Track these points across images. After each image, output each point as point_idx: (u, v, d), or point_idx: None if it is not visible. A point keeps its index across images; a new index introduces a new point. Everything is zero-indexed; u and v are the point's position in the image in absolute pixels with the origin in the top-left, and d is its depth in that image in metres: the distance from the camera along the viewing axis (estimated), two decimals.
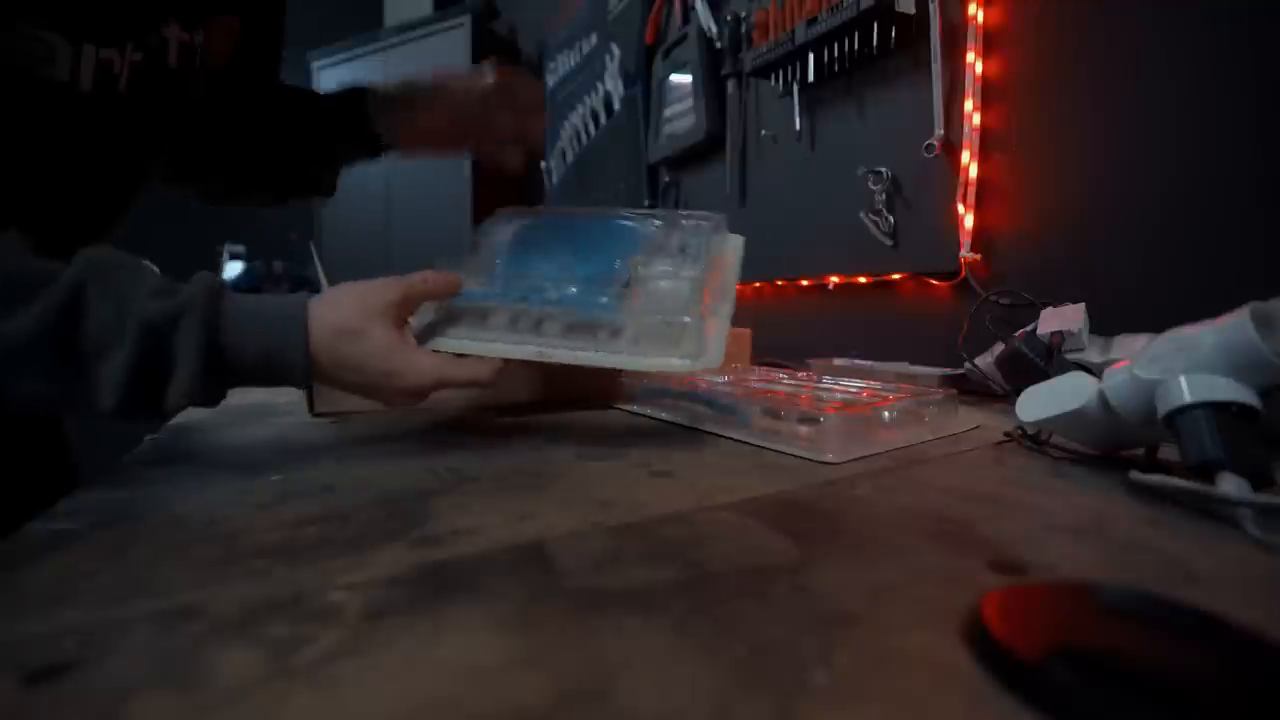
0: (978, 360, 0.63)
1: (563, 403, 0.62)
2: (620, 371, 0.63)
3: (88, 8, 0.39)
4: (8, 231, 0.34)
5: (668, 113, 1.30)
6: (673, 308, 0.44)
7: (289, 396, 0.67)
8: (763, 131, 1.09)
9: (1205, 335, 0.31)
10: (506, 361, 0.43)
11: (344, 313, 0.38)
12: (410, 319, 0.43)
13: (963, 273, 0.77)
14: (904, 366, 0.77)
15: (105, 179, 0.48)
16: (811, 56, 0.92)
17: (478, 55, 2.18)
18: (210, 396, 0.35)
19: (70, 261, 0.33)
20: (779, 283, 1.09)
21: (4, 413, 0.47)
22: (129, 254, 0.35)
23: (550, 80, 1.95)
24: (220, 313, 0.35)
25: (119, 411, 0.32)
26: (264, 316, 0.36)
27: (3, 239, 0.34)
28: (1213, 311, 0.32)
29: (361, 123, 0.59)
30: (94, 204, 0.48)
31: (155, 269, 0.36)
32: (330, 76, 2.53)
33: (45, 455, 0.56)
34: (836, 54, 0.88)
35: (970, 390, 0.63)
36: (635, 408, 0.58)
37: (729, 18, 1.11)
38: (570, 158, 1.83)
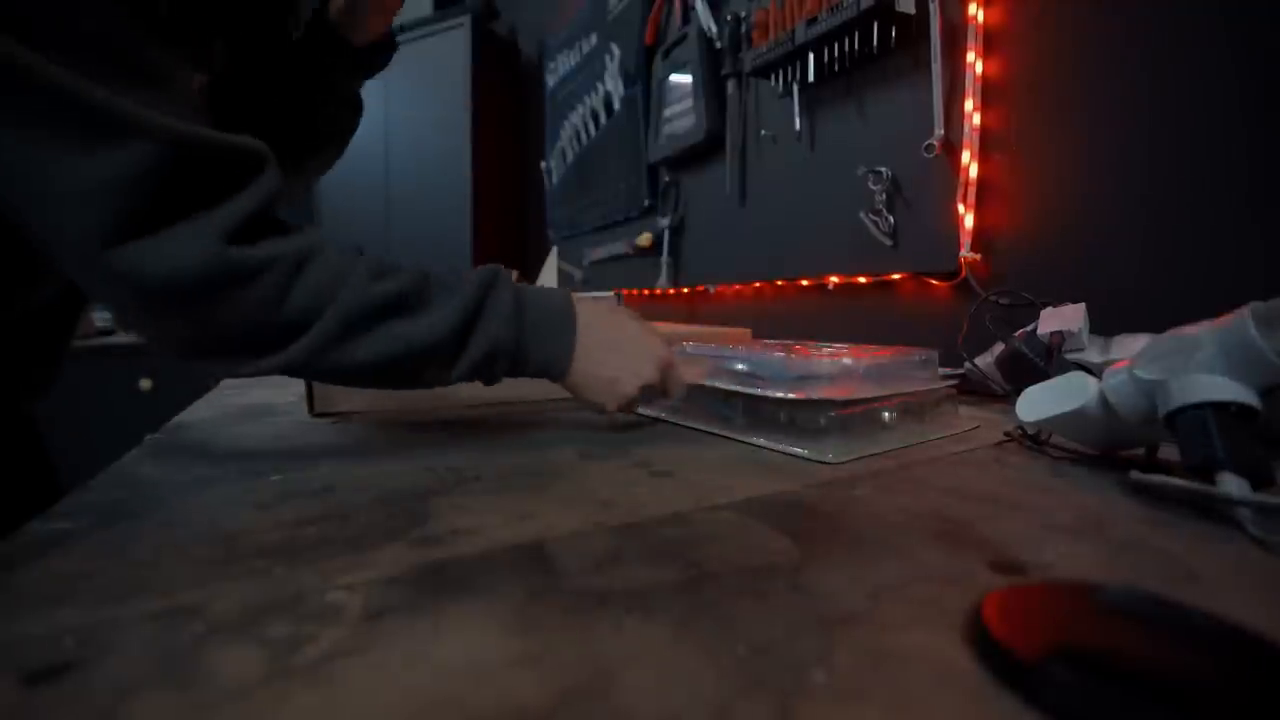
0: (978, 360, 0.63)
1: (560, 401, 0.62)
2: None
3: None
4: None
5: (668, 113, 1.30)
6: None
7: (289, 397, 0.67)
8: (763, 131, 1.09)
9: (1205, 335, 0.31)
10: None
11: (602, 309, 0.45)
12: None
13: (963, 273, 0.77)
14: None
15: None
16: (811, 56, 0.91)
17: (477, 55, 2.18)
18: (504, 346, 0.41)
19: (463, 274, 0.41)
20: (779, 283, 1.09)
21: None
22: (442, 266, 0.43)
23: (550, 80, 1.95)
24: (510, 282, 0.42)
25: (444, 340, 0.39)
26: (542, 291, 0.44)
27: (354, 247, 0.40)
28: (1213, 311, 0.32)
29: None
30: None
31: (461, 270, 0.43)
32: None
33: (23, 464, 0.56)
34: (836, 54, 0.88)
35: (970, 390, 0.63)
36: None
37: (729, 18, 1.11)
38: (570, 158, 1.83)
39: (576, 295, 0.45)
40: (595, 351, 0.43)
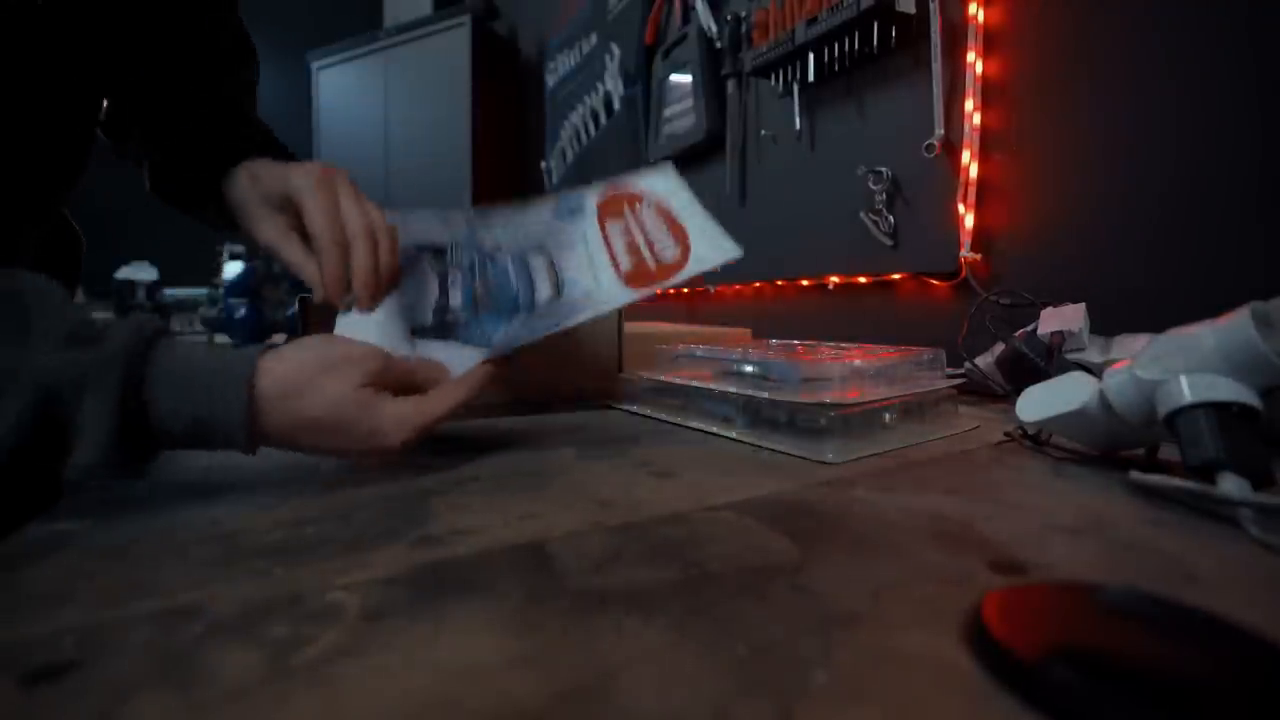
0: (978, 360, 0.63)
1: (560, 400, 0.62)
2: (619, 369, 0.65)
3: None
4: None
5: (668, 113, 1.30)
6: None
7: None
8: (763, 131, 1.09)
9: (1205, 335, 0.31)
10: (487, 363, 0.40)
11: (305, 370, 0.32)
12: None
13: (963, 273, 0.77)
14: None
15: (40, 111, 0.41)
16: (811, 56, 0.92)
17: (478, 55, 2.18)
18: (127, 468, 0.29)
19: None
20: (779, 283, 1.09)
21: None
22: (45, 279, 0.30)
23: (550, 80, 1.95)
24: (144, 374, 0.29)
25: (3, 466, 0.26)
26: (195, 382, 0.30)
27: None
28: (1213, 311, 0.32)
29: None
30: (28, 152, 0.41)
31: (72, 302, 0.30)
32: (330, 77, 2.53)
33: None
34: (836, 54, 0.88)
35: (970, 390, 0.63)
36: (635, 408, 0.58)
37: (729, 17, 1.11)
38: (570, 157, 1.83)
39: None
40: (301, 418, 0.32)
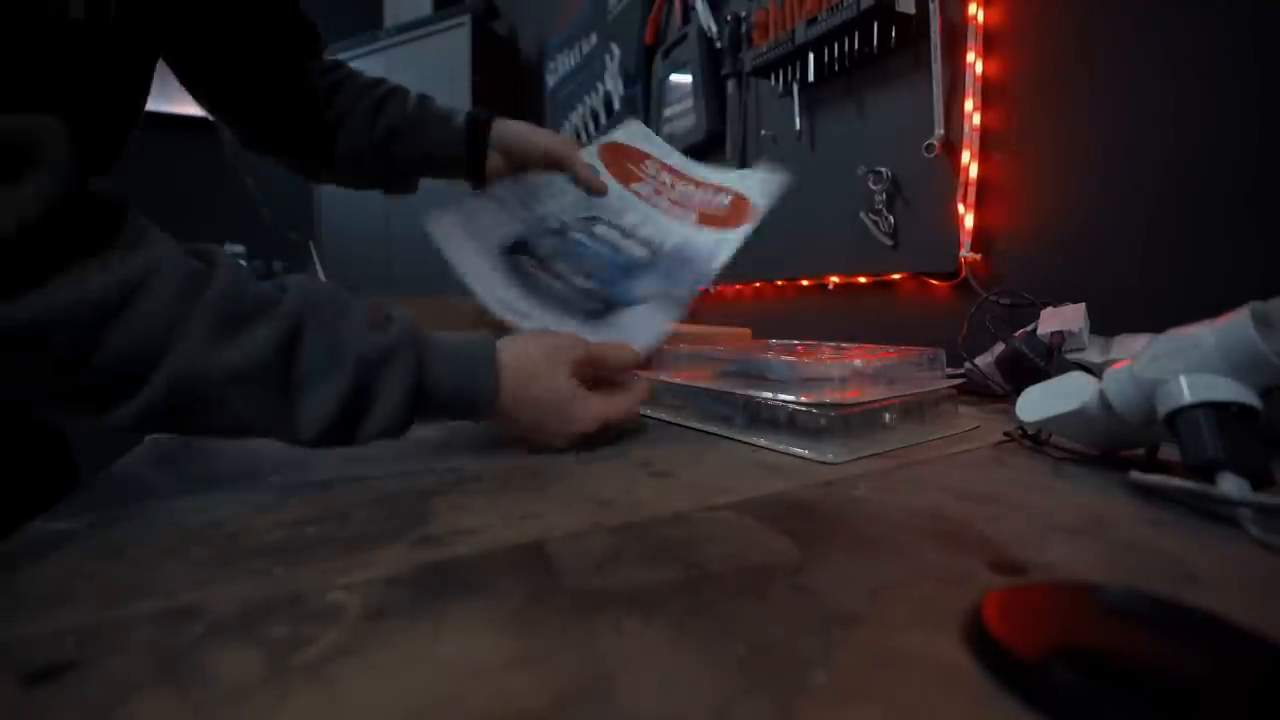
0: (978, 360, 0.63)
1: None
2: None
3: None
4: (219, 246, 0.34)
5: (668, 113, 1.30)
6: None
7: None
8: (763, 131, 1.09)
9: (1205, 335, 0.31)
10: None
11: (533, 358, 0.40)
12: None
13: (963, 273, 0.77)
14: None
15: (98, 117, 0.44)
16: (811, 56, 0.91)
17: (478, 55, 2.18)
18: (402, 429, 0.36)
19: (281, 285, 0.34)
20: (779, 283, 1.08)
21: (14, 414, 0.46)
22: (333, 283, 0.37)
23: (550, 80, 1.95)
24: (424, 345, 0.36)
25: (315, 441, 0.33)
26: (460, 356, 0.38)
27: (214, 250, 0.33)
28: (1213, 311, 0.32)
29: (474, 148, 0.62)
30: (92, 142, 0.44)
31: (356, 298, 0.37)
32: None
33: (47, 456, 0.56)
34: (836, 54, 0.88)
35: (970, 390, 0.63)
36: None
37: (729, 17, 1.11)
38: None
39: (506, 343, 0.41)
40: (527, 396, 0.39)
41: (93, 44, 0.39)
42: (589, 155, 0.60)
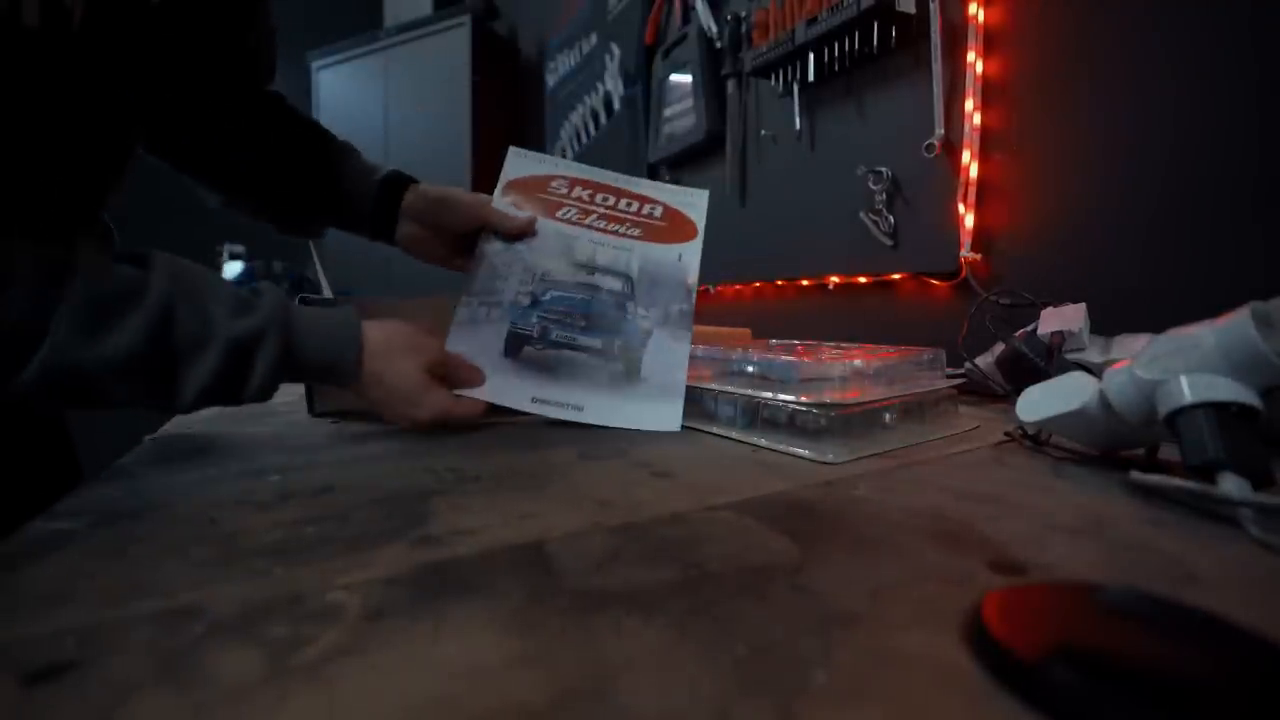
0: (978, 360, 0.63)
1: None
2: None
3: None
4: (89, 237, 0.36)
5: (668, 112, 1.30)
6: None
7: (288, 397, 0.67)
8: (763, 131, 1.09)
9: (1205, 335, 0.31)
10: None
11: (394, 345, 0.44)
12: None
13: (963, 273, 0.77)
14: None
15: (72, 132, 0.43)
16: (811, 56, 0.92)
17: (478, 55, 2.18)
18: (272, 394, 0.40)
19: (145, 263, 0.36)
20: (779, 283, 1.09)
21: (17, 411, 0.48)
22: (194, 262, 0.39)
23: (550, 80, 1.95)
24: (291, 327, 0.40)
25: (193, 408, 0.37)
26: (329, 336, 0.42)
27: (85, 244, 0.35)
28: (1213, 311, 0.32)
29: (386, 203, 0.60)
30: (71, 163, 0.44)
31: (222, 277, 0.40)
32: (330, 77, 2.53)
33: (49, 453, 0.55)
34: (836, 54, 0.88)
35: (970, 390, 0.63)
36: None
37: (729, 17, 1.11)
38: (570, 157, 1.83)
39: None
40: (383, 377, 0.43)
41: (51, 55, 0.38)
42: (501, 204, 0.56)
